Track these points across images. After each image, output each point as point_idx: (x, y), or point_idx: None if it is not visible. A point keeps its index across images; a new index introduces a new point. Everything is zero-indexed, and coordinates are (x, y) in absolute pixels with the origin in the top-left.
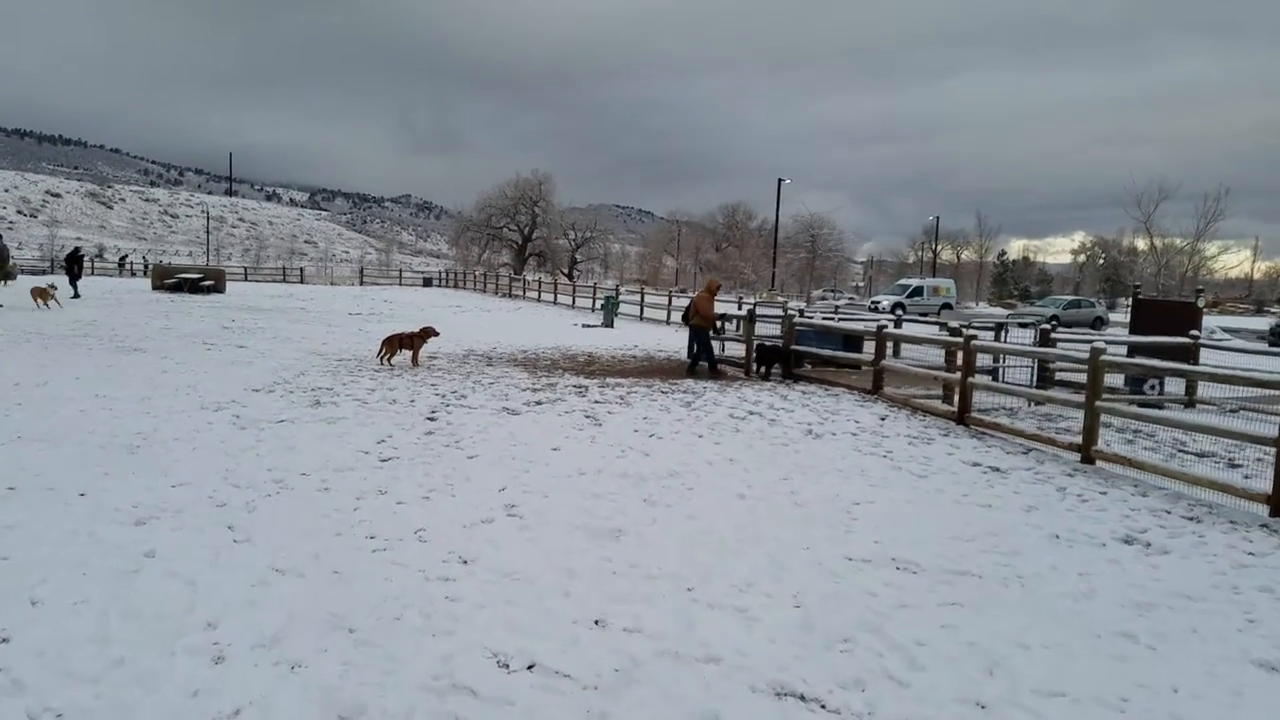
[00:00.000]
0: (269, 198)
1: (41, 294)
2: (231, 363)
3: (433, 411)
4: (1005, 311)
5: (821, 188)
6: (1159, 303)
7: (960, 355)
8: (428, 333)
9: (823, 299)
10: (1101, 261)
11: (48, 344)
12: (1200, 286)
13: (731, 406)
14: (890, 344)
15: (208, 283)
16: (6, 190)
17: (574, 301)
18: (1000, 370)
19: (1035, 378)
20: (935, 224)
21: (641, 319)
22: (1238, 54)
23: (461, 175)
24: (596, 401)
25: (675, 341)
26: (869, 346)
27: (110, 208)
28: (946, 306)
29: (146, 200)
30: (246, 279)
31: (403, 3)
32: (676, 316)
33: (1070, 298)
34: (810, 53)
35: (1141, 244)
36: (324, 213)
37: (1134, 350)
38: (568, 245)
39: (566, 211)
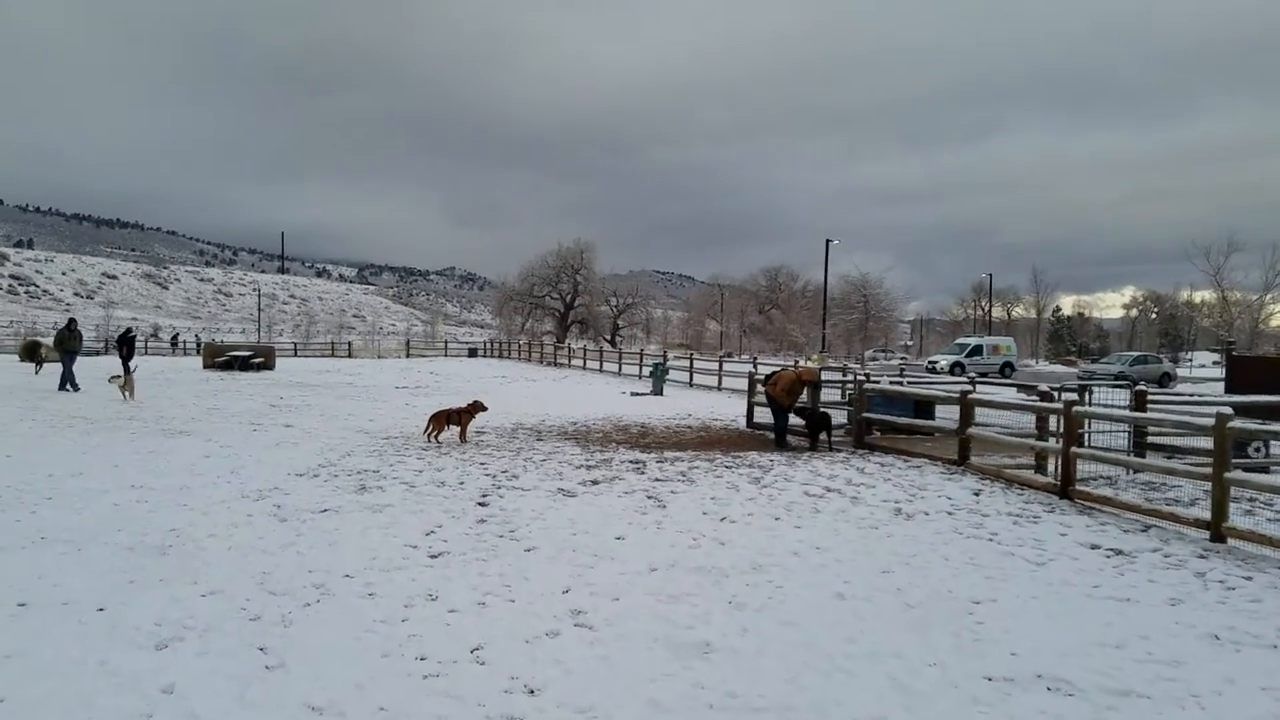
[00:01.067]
0: (319, 274)
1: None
2: (277, 444)
3: (484, 495)
4: (1066, 369)
5: (864, 247)
6: (1258, 359)
7: (1059, 421)
8: (476, 408)
9: (873, 359)
10: (1154, 316)
11: (91, 429)
12: None
13: (805, 482)
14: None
15: (258, 360)
16: (64, 274)
17: (620, 369)
18: (1086, 435)
19: (1131, 443)
20: (989, 281)
21: (691, 385)
22: None
23: (504, 246)
24: (657, 479)
25: (729, 408)
26: (940, 411)
27: (166, 288)
28: (1008, 365)
29: (201, 280)
30: (296, 354)
31: (445, 83)
32: (729, 382)
33: (1135, 354)
34: (846, 114)
35: (1200, 297)
36: (371, 287)
37: (1238, 410)
38: (609, 312)
39: (608, 278)
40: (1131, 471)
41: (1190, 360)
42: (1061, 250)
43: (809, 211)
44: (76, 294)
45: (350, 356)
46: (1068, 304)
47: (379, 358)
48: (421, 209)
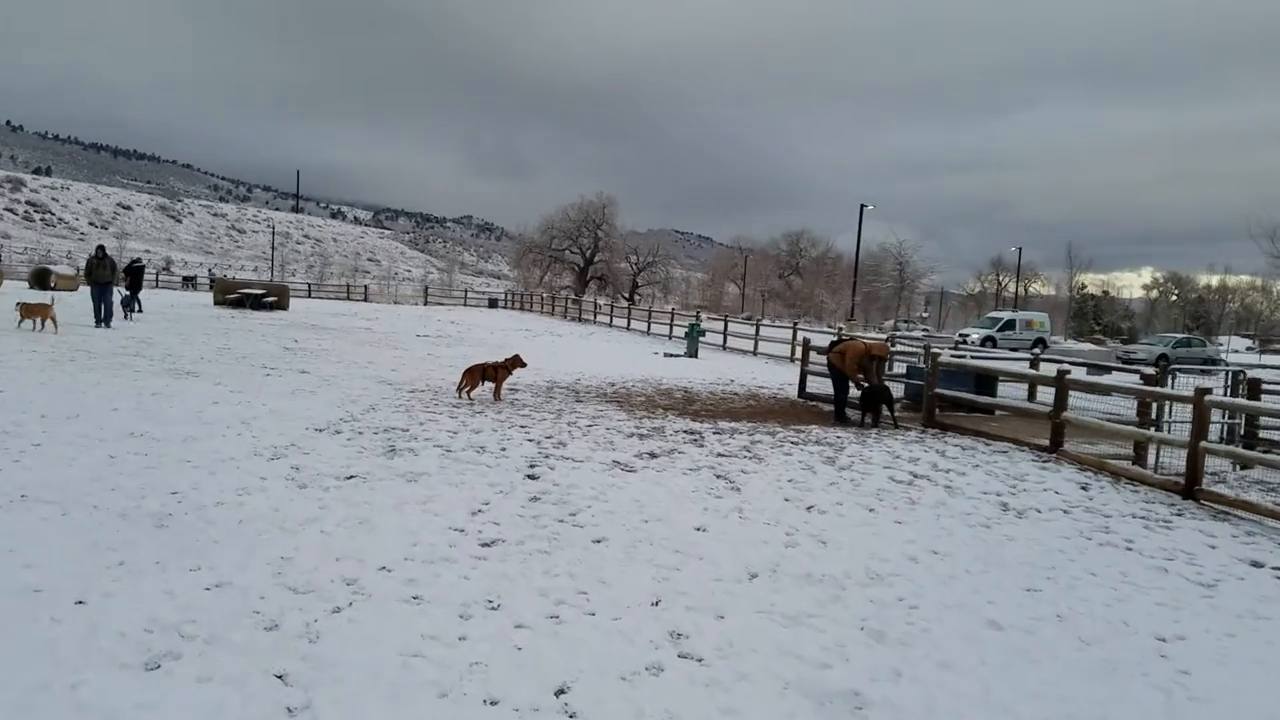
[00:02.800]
0: (334, 215)
1: (31, 311)
2: (293, 392)
3: (531, 466)
4: (1094, 347)
5: (881, 218)
6: None
7: (1192, 411)
8: (514, 363)
9: (896, 330)
10: (1174, 297)
11: (93, 364)
12: None
13: (885, 465)
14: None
15: (271, 299)
16: (80, 202)
17: (649, 328)
18: (1168, 424)
19: (1231, 435)
20: (1018, 256)
21: (725, 349)
22: None
23: (523, 198)
24: (720, 454)
25: (771, 375)
26: (1002, 389)
27: (179, 221)
28: (1041, 342)
29: (214, 215)
30: (310, 296)
31: (472, 28)
32: (765, 347)
33: (1179, 335)
34: (872, 85)
35: (1234, 280)
36: (387, 231)
37: None
38: (629, 269)
39: (628, 235)
40: (1237, 467)
41: (1222, 344)
42: (1079, 229)
43: (828, 180)
44: (91, 223)
45: (366, 300)
46: (1084, 282)
47: (395, 303)
48: (441, 156)
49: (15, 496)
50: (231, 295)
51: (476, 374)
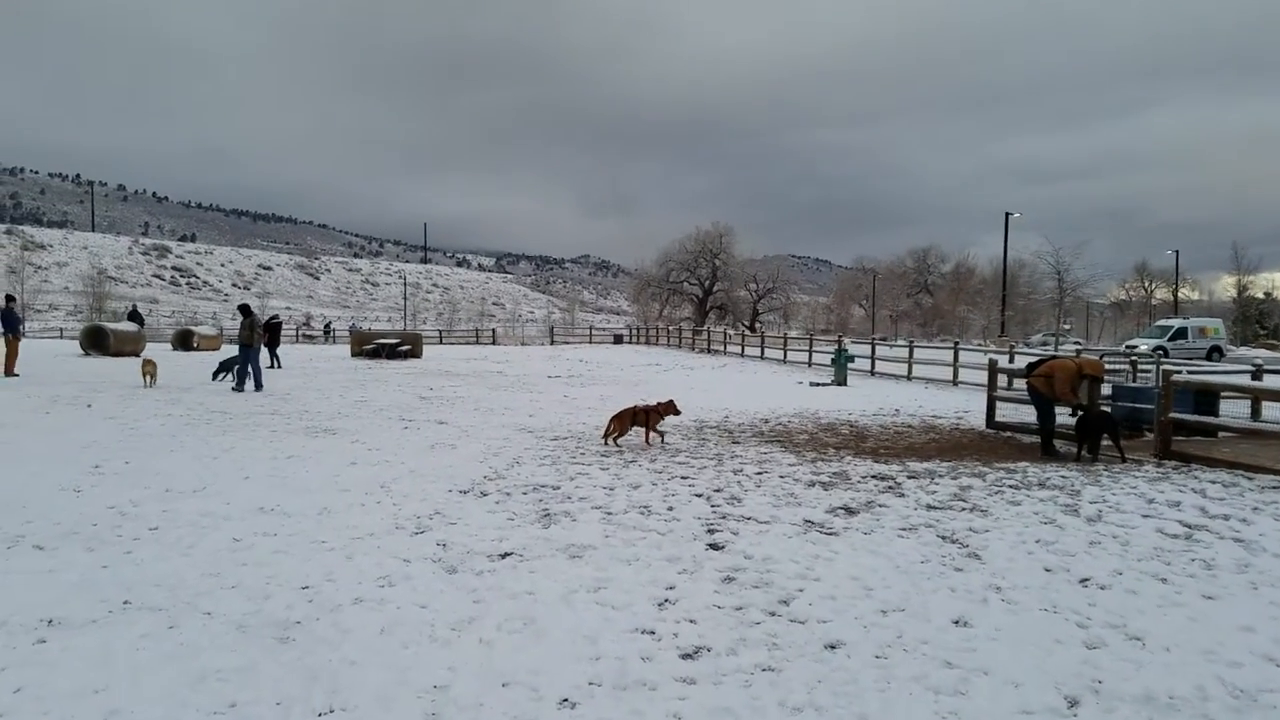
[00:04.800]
0: (459, 264)
1: (145, 367)
2: (431, 446)
3: (710, 531)
4: (1269, 353)
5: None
6: None
7: None
8: (669, 409)
9: (1044, 344)
10: None
11: (229, 425)
12: None
13: (1143, 513)
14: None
15: (405, 348)
16: (223, 265)
17: (785, 355)
18: None
19: None
20: (1175, 259)
21: (873, 374)
22: None
23: (635, 234)
24: (931, 506)
25: (938, 402)
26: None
27: (317, 278)
28: (1216, 350)
29: (349, 270)
30: (441, 341)
31: (582, 74)
32: (920, 371)
33: None
34: (989, 94)
35: None
36: (509, 275)
37: None
38: (749, 297)
39: (745, 263)
40: None
41: None
42: (1222, 229)
43: (948, 194)
44: (234, 285)
45: (494, 343)
46: (1228, 285)
47: (523, 344)
48: (555, 199)
49: (117, 604)
50: (368, 346)
51: (627, 419)
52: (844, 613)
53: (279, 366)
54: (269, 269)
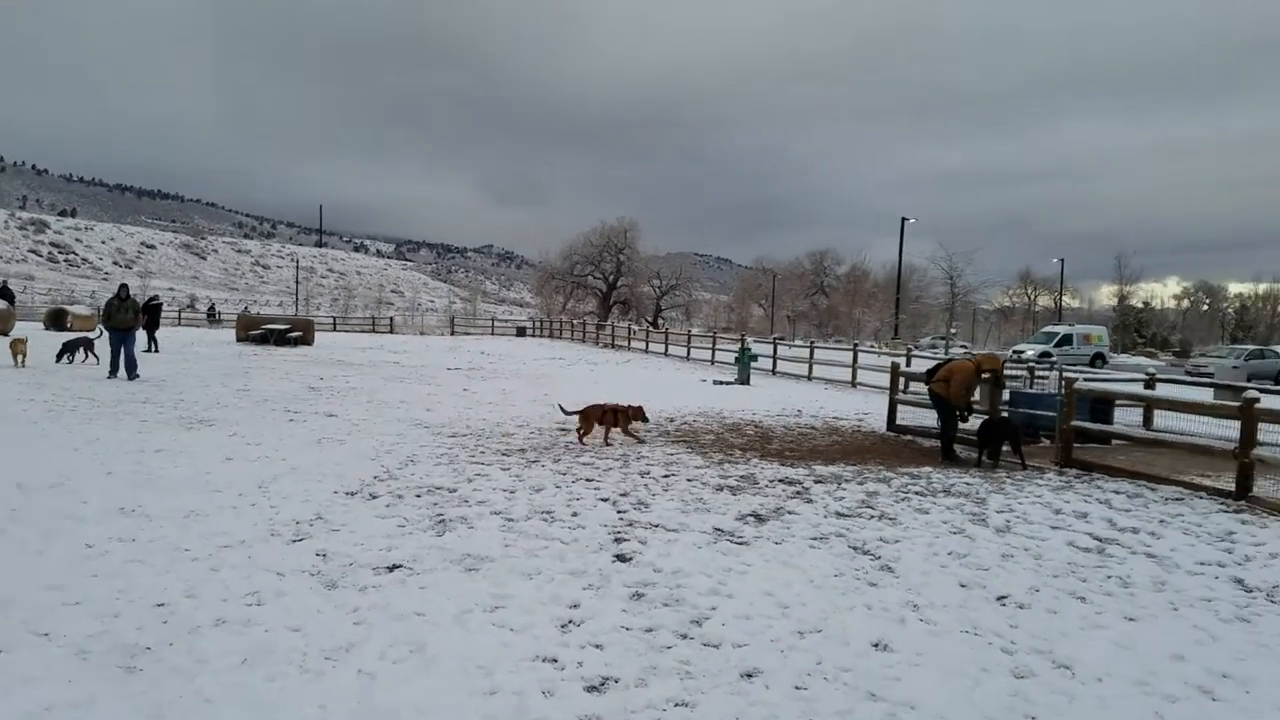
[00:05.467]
0: (357, 249)
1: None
2: (318, 441)
3: (617, 540)
4: (1149, 360)
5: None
6: None
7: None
8: (637, 414)
9: (933, 346)
10: (1205, 307)
11: (95, 413)
12: None
13: (1051, 524)
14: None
15: (295, 334)
16: (104, 242)
17: (688, 353)
18: None
19: None
20: (1060, 268)
21: (775, 373)
22: None
23: (542, 225)
24: (840, 514)
25: (838, 404)
26: (1118, 415)
27: (203, 259)
28: (1099, 357)
29: (239, 252)
30: (335, 329)
31: (498, 64)
32: (820, 371)
33: (1251, 347)
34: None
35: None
36: (410, 263)
37: None
38: (653, 293)
39: (650, 259)
40: None
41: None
42: (1106, 241)
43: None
44: (115, 263)
45: (392, 332)
46: (1108, 294)
47: (422, 334)
48: (459, 187)
49: None
50: (255, 331)
51: (594, 417)
52: (760, 635)
53: (156, 350)
54: (152, 247)
